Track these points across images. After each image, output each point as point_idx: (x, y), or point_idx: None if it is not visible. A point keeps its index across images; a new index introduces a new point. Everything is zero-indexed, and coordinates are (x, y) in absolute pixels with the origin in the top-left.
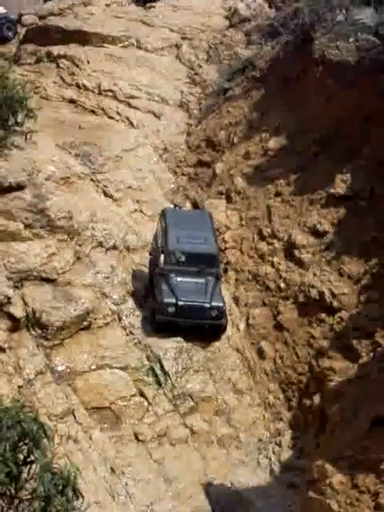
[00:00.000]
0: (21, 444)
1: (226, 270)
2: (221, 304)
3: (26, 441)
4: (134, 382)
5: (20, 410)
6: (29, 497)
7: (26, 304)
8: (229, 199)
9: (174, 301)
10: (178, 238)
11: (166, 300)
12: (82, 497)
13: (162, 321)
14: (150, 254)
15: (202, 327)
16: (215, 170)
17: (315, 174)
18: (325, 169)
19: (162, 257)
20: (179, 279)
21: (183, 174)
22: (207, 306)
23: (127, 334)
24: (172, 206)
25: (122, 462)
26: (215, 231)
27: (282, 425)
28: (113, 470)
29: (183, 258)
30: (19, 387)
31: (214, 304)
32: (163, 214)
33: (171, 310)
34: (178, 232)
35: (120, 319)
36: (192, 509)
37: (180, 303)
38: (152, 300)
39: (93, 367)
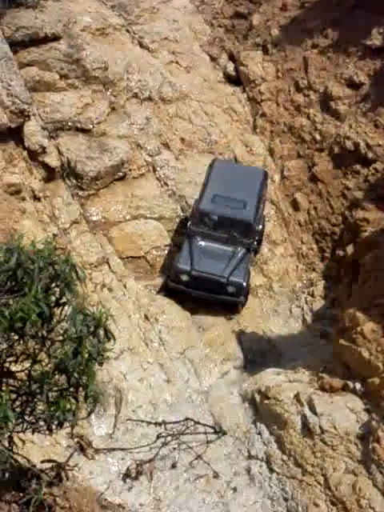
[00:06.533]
0: (53, 286)
1: (259, 242)
2: (240, 280)
3: (58, 283)
4: (168, 232)
5: (52, 252)
6: (60, 338)
7: (61, 154)
8: (265, 51)
9: (188, 268)
10: (214, 198)
11: (180, 266)
12: (114, 338)
13: (172, 287)
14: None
15: (217, 301)
16: (252, 21)
17: (352, 26)
18: (362, 21)
19: (191, 215)
20: (204, 244)
21: (219, 26)
22: (223, 280)
23: (162, 185)
24: (222, 158)
25: (156, 310)
26: (263, 196)
27: (315, 275)
28: (147, 318)
29: (213, 221)
30: (54, 236)
31: (231, 279)
32: (211, 166)
33: (184, 278)
34: (217, 190)
35: (155, 170)
36: (224, 356)
37: (194, 273)
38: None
39: (127, 217)
